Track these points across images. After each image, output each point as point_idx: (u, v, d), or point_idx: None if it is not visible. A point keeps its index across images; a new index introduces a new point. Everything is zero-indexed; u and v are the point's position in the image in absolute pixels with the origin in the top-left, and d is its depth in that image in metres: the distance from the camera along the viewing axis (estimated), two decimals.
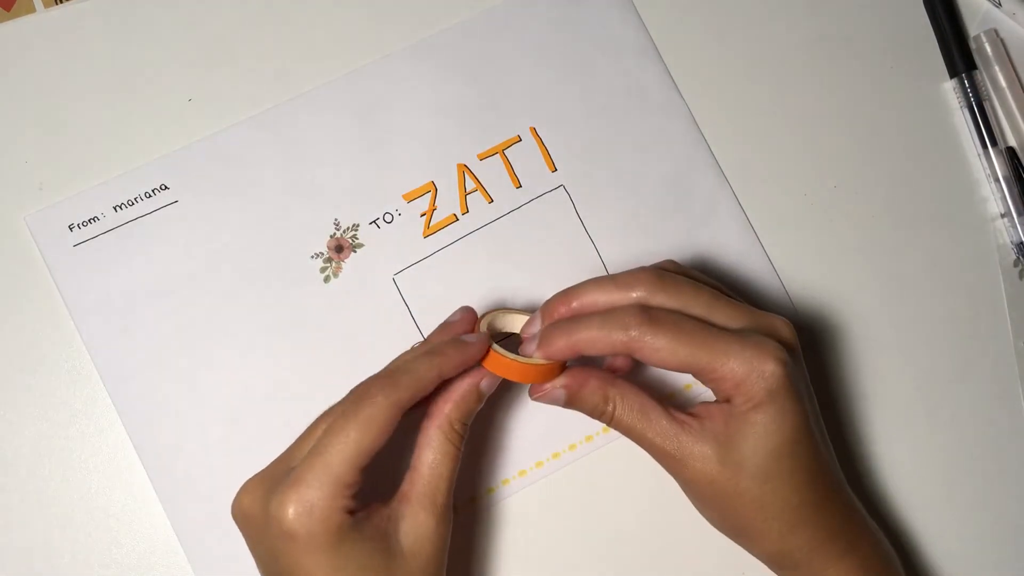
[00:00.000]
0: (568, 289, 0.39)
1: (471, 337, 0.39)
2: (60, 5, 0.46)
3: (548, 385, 0.39)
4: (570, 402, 0.39)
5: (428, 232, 0.46)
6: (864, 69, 0.49)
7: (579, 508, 0.45)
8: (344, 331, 0.44)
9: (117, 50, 0.46)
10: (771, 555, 0.39)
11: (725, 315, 0.38)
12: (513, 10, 0.47)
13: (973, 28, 0.50)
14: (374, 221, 0.45)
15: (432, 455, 0.38)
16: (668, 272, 0.39)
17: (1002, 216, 0.48)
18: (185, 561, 0.43)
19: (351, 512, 0.35)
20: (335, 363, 0.44)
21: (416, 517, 0.37)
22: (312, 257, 0.45)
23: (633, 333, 0.36)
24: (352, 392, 0.37)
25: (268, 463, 0.38)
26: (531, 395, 0.40)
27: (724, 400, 0.37)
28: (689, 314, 0.38)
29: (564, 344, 0.38)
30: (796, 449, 0.37)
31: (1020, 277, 0.48)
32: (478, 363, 0.38)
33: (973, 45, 0.49)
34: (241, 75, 0.46)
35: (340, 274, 0.45)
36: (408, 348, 0.45)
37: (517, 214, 0.46)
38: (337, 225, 0.45)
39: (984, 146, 0.48)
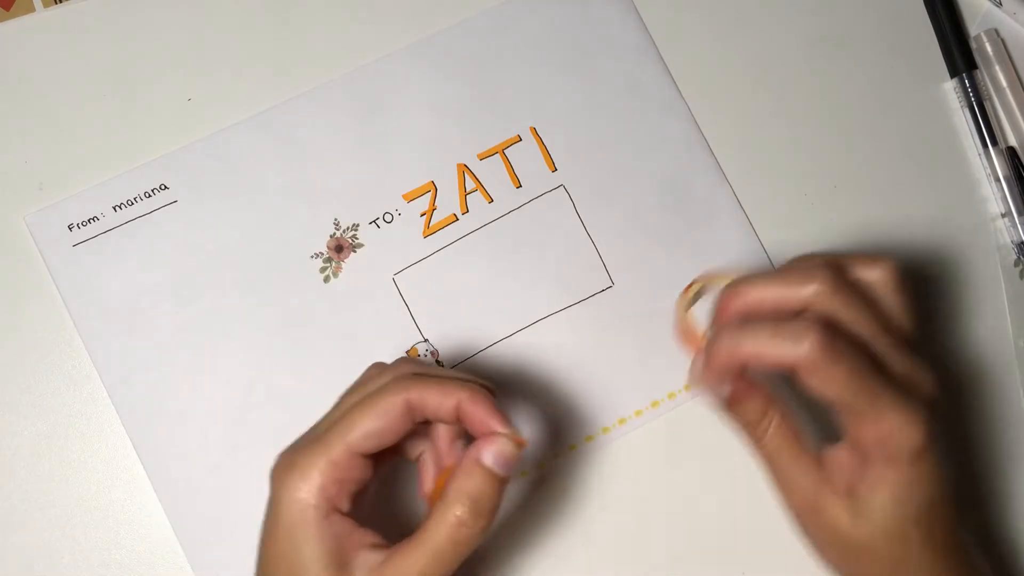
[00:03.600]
0: (738, 285, 0.37)
1: (503, 425, 0.34)
2: (60, 5, 0.46)
3: (717, 377, 0.36)
4: (730, 405, 0.37)
5: (428, 232, 0.46)
6: (864, 69, 0.49)
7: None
8: (344, 331, 0.44)
9: (117, 50, 0.46)
10: None
11: (885, 345, 0.35)
12: (513, 10, 0.47)
13: (973, 28, 0.50)
14: (374, 221, 0.45)
15: (428, 544, 0.33)
16: (844, 273, 0.36)
17: (1003, 216, 0.48)
18: (185, 561, 0.43)
19: (335, 501, 0.34)
20: (335, 363, 0.44)
21: None
22: (312, 257, 0.45)
23: (808, 355, 0.34)
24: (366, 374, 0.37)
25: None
26: (692, 381, 0.37)
27: (857, 450, 0.35)
28: (861, 340, 0.35)
29: (727, 357, 0.35)
30: (933, 515, 0.35)
31: (1020, 276, 0.48)
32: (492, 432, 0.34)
33: (973, 45, 0.49)
34: (241, 75, 0.46)
35: (340, 274, 0.45)
36: (409, 347, 0.45)
37: (517, 214, 0.46)
38: (337, 225, 0.45)
39: (984, 146, 0.48)
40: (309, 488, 0.34)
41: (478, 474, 0.34)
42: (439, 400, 0.34)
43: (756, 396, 0.37)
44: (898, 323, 0.37)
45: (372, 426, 0.34)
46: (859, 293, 0.36)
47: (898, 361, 0.35)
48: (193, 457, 0.43)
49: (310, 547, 0.34)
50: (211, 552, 0.42)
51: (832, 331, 0.34)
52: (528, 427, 0.44)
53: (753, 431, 0.37)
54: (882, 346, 0.35)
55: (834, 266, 0.36)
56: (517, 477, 0.44)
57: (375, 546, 0.34)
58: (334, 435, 0.34)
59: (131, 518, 0.43)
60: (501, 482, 0.34)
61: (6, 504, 0.43)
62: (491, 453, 0.34)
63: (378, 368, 0.38)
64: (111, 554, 0.43)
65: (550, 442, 0.45)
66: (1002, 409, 0.47)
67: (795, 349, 0.34)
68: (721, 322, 0.37)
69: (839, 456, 0.36)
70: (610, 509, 0.44)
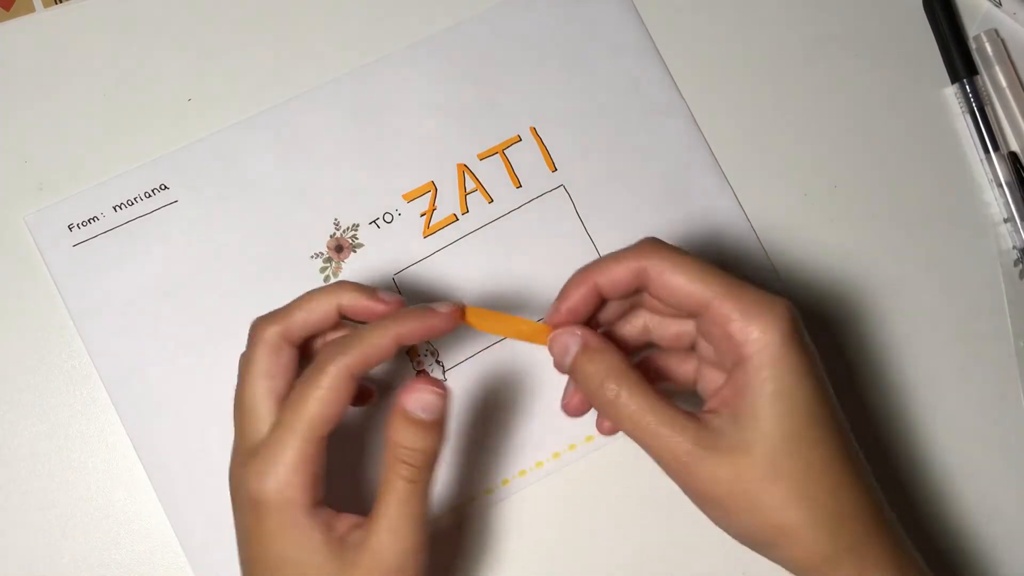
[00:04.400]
0: (581, 269, 0.37)
1: (440, 305, 0.36)
2: (60, 5, 0.46)
3: (566, 330, 0.36)
4: (577, 364, 0.35)
5: (428, 232, 0.46)
6: (865, 71, 0.49)
7: (578, 508, 0.45)
8: None
9: (117, 50, 0.46)
10: (809, 561, 0.34)
11: (726, 282, 0.35)
12: (513, 10, 0.47)
13: (973, 28, 0.50)
14: (374, 221, 0.45)
15: (391, 498, 0.35)
16: (666, 243, 0.37)
17: (1005, 221, 0.48)
18: (185, 561, 0.43)
19: (315, 496, 0.35)
20: None
21: (381, 541, 0.34)
22: (312, 257, 0.45)
23: (651, 258, 0.35)
24: (312, 367, 0.35)
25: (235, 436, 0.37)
26: (549, 345, 0.36)
27: (731, 362, 0.34)
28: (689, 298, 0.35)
29: (578, 279, 0.36)
30: (820, 412, 0.33)
31: (1020, 277, 0.48)
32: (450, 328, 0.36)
33: (973, 45, 0.49)
34: (241, 75, 0.46)
35: (340, 274, 0.45)
36: (408, 347, 0.45)
37: (517, 214, 0.46)
38: (337, 225, 0.45)
39: (986, 151, 0.48)
40: (291, 490, 0.34)
41: (409, 426, 0.34)
42: (379, 354, 0.35)
43: (604, 351, 0.35)
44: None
45: (331, 410, 0.34)
46: (682, 251, 0.36)
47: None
48: (193, 457, 0.43)
49: (307, 546, 0.34)
50: (211, 552, 0.42)
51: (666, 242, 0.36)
52: (528, 425, 0.44)
53: (602, 392, 0.35)
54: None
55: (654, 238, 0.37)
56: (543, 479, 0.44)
57: (354, 525, 0.35)
58: (296, 431, 0.34)
59: (131, 518, 0.43)
60: (434, 426, 0.35)
61: (6, 504, 0.43)
62: (414, 401, 0.35)
63: (266, 325, 0.37)
64: (111, 554, 0.43)
65: (553, 437, 0.45)
66: (1002, 409, 0.47)
67: (638, 258, 0.35)
68: (562, 307, 0.37)
69: (720, 396, 0.34)
70: (610, 511, 0.44)
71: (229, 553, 0.42)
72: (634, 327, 0.39)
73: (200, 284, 0.44)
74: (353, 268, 0.45)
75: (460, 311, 0.37)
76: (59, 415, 0.43)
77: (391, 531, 0.34)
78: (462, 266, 0.46)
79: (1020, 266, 0.48)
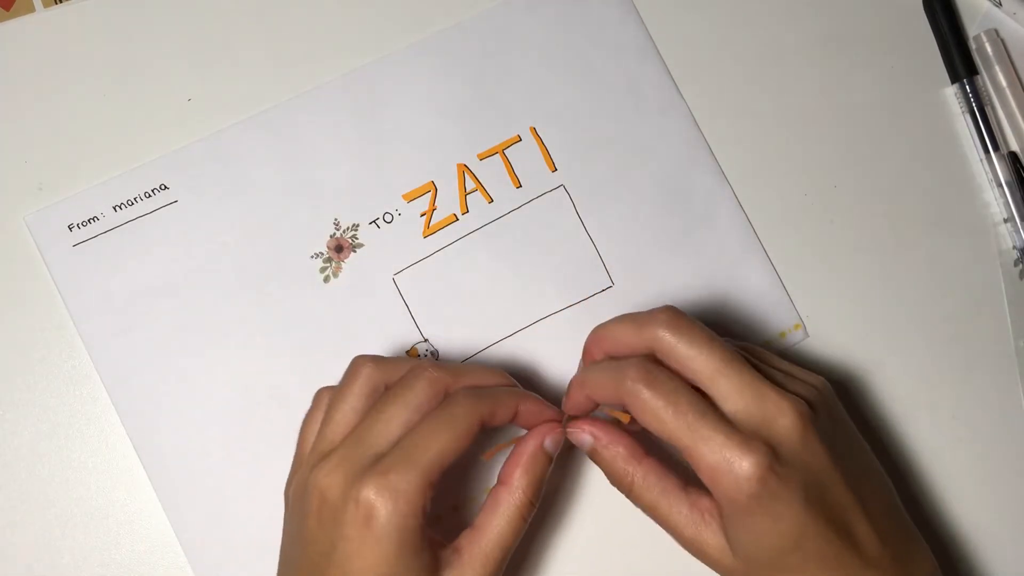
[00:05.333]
0: (598, 328, 0.39)
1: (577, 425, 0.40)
2: (60, 5, 0.46)
3: (581, 426, 0.39)
4: (594, 455, 0.39)
5: (428, 232, 0.46)
6: (865, 71, 0.49)
7: (580, 507, 0.44)
8: (344, 331, 0.44)
9: (117, 50, 0.46)
10: None
11: (729, 386, 0.36)
12: (513, 10, 0.47)
13: (973, 28, 0.49)
14: (374, 221, 0.45)
15: (498, 522, 0.37)
16: (687, 317, 0.38)
17: (1005, 221, 0.48)
18: (185, 561, 0.43)
19: (423, 522, 0.36)
20: (335, 363, 0.44)
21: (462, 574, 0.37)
22: (312, 257, 0.45)
23: (630, 387, 0.36)
24: (395, 365, 0.39)
25: (339, 446, 0.37)
26: (567, 428, 0.40)
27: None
28: (693, 380, 0.36)
29: (579, 394, 0.39)
30: (802, 545, 0.35)
31: (1020, 277, 0.48)
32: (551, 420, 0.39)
33: (973, 45, 0.49)
34: (241, 75, 0.46)
35: (340, 274, 0.45)
36: (409, 347, 0.45)
37: (517, 214, 0.46)
38: (337, 225, 0.45)
39: (986, 151, 0.48)
40: (414, 511, 0.35)
41: (542, 458, 0.38)
42: (505, 413, 0.38)
43: (618, 450, 0.39)
44: (743, 346, 0.39)
45: (457, 446, 0.36)
46: (695, 327, 0.37)
47: (737, 390, 0.36)
48: (193, 457, 0.43)
49: (414, 564, 0.35)
50: (211, 552, 0.42)
51: (652, 365, 0.36)
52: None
53: (620, 483, 0.39)
54: (711, 370, 0.36)
55: (676, 310, 0.38)
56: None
57: (444, 545, 0.37)
58: (425, 458, 0.35)
59: (131, 518, 0.43)
60: (552, 462, 0.39)
61: (6, 504, 0.43)
62: (552, 441, 0.39)
63: (371, 365, 0.39)
64: (111, 554, 0.43)
65: None
66: (1002, 409, 0.47)
67: (623, 382, 0.36)
68: (585, 364, 0.40)
69: (712, 502, 0.37)
70: (603, 508, 0.44)
71: (229, 553, 0.42)
72: None
73: (200, 284, 0.44)
74: (353, 268, 0.45)
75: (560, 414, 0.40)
76: (59, 415, 0.43)
77: (484, 555, 0.37)
78: (462, 266, 0.46)
79: (1020, 266, 0.48)
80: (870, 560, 0.36)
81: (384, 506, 0.34)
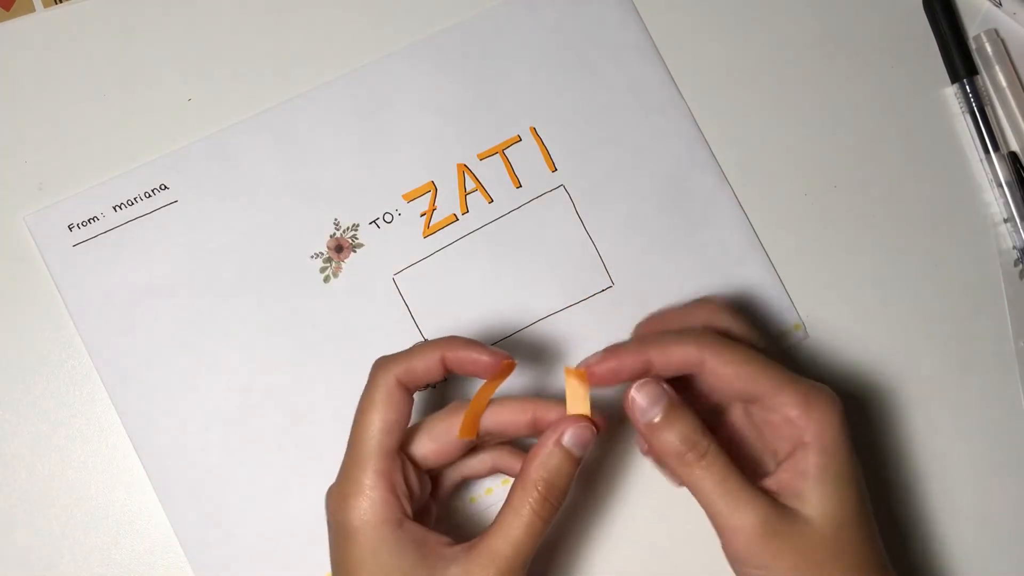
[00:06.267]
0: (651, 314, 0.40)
1: (496, 351, 0.36)
2: (60, 5, 0.46)
3: (652, 382, 0.35)
4: (662, 424, 0.35)
5: (428, 232, 0.46)
6: (865, 71, 0.49)
7: (582, 503, 0.45)
8: (344, 331, 0.44)
9: (117, 50, 0.46)
10: None
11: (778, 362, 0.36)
12: (513, 10, 0.47)
13: (973, 28, 0.49)
14: (374, 221, 0.45)
15: (510, 520, 0.35)
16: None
17: (1005, 221, 0.48)
18: (185, 561, 0.43)
19: (400, 509, 0.35)
20: (335, 363, 0.44)
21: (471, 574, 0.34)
22: (312, 257, 0.45)
23: (707, 344, 0.35)
24: None
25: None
26: (633, 394, 0.35)
27: (788, 447, 0.36)
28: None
29: (634, 351, 0.35)
30: (865, 491, 0.36)
31: (1020, 277, 0.48)
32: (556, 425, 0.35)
33: (973, 45, 0.49)
34: (241, 75, 0.46)
35: (340, 274, 0.45)
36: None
37: (517, 214, 0.46)
38: (337, 225, 0.45)
39: (986, 151, 0.48)
40: (371, 508, 0.34)
41: (558, 454, 0.35)
42: (424, 365, 0.35)
43: (688, 416, 0.35)
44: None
45: (384, 420, 0.35)
46: (745, 314, 0.39)
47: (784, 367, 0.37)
48: (193, 457, 0.43)
49: (396, 560, 0.34)
50: (211, 552, 0.42)
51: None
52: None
53: (683, 458, 0.35)
54: (762, 346, 0.37)
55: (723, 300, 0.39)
56: None
57: (451, 544, 0.35)
58: (361, 449, 0.35)
59: (131, 518, 0.43)
60: (576, 463, 0.35)
61: (6, 504, 0.43)
62: (571, 434, 0.35)
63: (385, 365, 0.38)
64: (111, 554, 0.43)
65: None
66: (1002, 409, 0.47)
67: (696, 342, 0.35)
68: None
69: (773, 474, 0.36)
70: (600, 507, 0.44)
71: (229, 553, 0.42)
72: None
73: (200, 284, 0.44)
74: (353, 268, 0.45)
75: (510, 364, 0.36)
76: (59, 415, 0.43)
77: (492, 554, 0.34)
78: (462, 266, 0.46)
79: (1020, 266, 0.48)
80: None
81: (347, 517, 0.34)
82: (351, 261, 0.45)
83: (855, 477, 0.36)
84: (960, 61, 0.48)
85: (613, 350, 0.35)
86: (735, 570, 0.36)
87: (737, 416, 0.39)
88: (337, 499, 0.35)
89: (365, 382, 0.37)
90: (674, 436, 0.35)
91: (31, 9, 0.46)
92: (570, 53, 0.47)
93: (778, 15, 0.49)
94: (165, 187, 0.45)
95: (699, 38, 0.48)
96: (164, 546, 0.43)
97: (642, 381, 0.35)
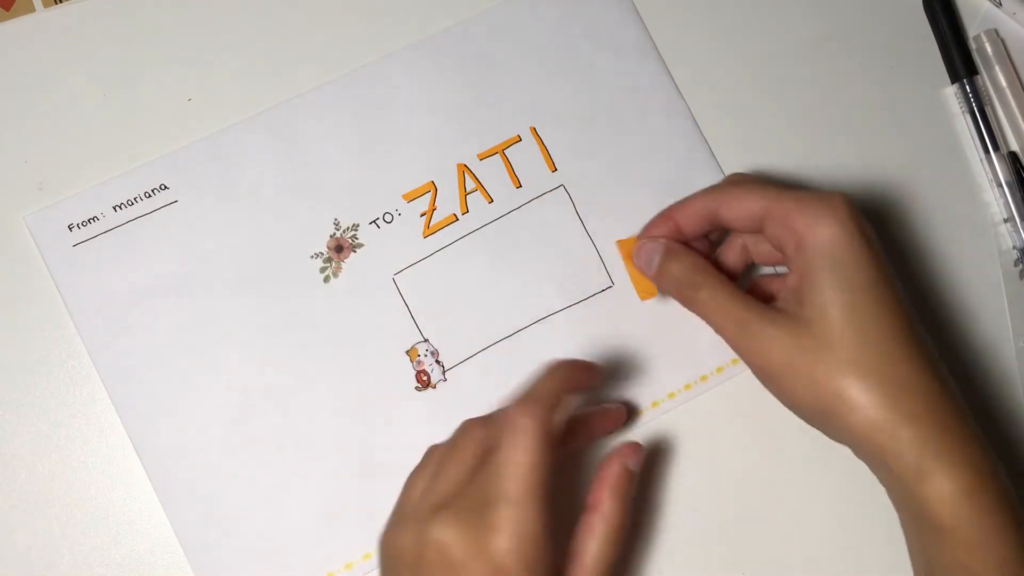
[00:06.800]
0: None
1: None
2: (60, 5, 0.46)
3: (648, 239, 0.41)
4: (664, 265, 0.40)
5: (428, 232, 0.46)
6: (865, 71, 0.49)
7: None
8: (344, 331, 0.44)
9: (117, 50, 0.46)
10: (866, 429, 0.35)
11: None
12: (513, 10, 0.47)
13: (973, 28, 0.50)
14: (374, 221, 0.46)
15: (595, 545, 0.37)
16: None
17: (1005, 221, 0.48)
18: (185, 561, 0.43)
19: (552, 556, 0.35)
20: (335, 363, 0.44)
21: None
22: (312, 257, 0.45)
23: (718, 190, 0.40)
24: (498, 421, 0.37)
25: (454, 501, 0.36)
26: (635, 255, 0.42)
27: (795, 252, 0.37)
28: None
29: (662, 218, 0.41)
30: (880, 289, 0.36)
31: (1020, 277, 0.48)
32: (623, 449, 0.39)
33: (973, 45, 0.49)
34: (241, 75, 0.46)
35: (340, 274, 0.45)
36: (409, 347, 0.45)
37: (517, 214, 0.46)
38: (337, 225, 0.45)
39: (986, 151, 0.48)
40: (536, 545, 0.34)
41: (626, 479, 0.38)
42: (560, 408, 0.38)
43: (684, 254, 0.40)
44: None
45: (549, 468, 0.36)
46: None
47: None
48: (193, 457, 0.43)
49: None
50: (211, 552, 0.42)
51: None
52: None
53: (690, 286, 0.39)
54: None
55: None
56: None
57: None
58: (527, 498, 0.35)
59: (131, 518, 0.43)
60: (635, 482, 0.39)
61: (6, 504, 0.43)
62: (636, 461, 0.39)
63: (480, 426, 0.38)
64: (111, 554, 0.43)
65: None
66: (1002, 409, 0.47)
67: (710, 191, 0.40)
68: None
69: (783, 282, 0.39)
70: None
71: (229, 553, 0.42)
72: (734, 249, 0.43)
73: (200, 284, 0.44)
74: (353, 268, 0.45)
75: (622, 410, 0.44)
76: (59, 415, 0.43)
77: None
78: (462, 266, 0.46)
79: (1020, 266, 0.48)
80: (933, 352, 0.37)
81: (515, 550, 0.34)
82: (351, 261, 0.45)
83: (863, 270, 0.36)
84: (960, 61, 0.48)
85: (647, 227, 0.42)
86: (739, 357, 0.39)
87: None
88: (499, 541, 0.35)
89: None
90: (675, 270, 0.40)
91: (31, 9, 0.46)
92: (570, 53, 0.47)
93: (778, 15, 0.49)
94: (165, 187, 0.45)
95: (699, 38, 0.48)
96: (164, 546, 0.43)
97: (639, 243, 0.42)
